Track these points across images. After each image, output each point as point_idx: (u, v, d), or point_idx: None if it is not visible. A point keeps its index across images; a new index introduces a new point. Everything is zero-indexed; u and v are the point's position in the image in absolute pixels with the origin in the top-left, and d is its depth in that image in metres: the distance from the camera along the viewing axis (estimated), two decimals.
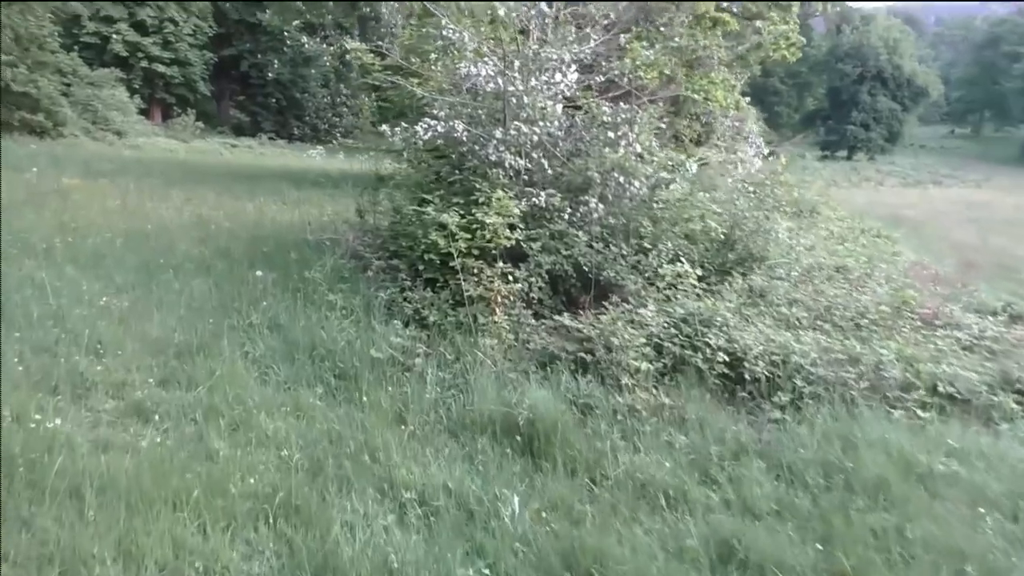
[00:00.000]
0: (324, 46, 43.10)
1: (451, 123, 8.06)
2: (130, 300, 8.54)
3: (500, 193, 7.57)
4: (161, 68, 41.97)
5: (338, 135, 26.02)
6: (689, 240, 8.59)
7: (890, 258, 12.74)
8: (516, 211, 7.52)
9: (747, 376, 6.55)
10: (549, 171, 8.17)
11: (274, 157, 38.92)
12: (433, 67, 8.79)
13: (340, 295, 8.20)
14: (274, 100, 48.13)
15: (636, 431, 5.91)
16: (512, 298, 7.25)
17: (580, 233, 7.98)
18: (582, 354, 6.83)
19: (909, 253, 14.81)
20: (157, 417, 5.83)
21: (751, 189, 8.73)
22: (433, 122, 8.08)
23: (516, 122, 7.96)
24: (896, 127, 70.95)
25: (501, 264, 7.32)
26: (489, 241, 7.43)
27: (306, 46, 42.87)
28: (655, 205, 8.47)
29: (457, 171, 8.54)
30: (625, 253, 8.16)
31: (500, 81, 7.90)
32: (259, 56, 46.88)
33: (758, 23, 20.16)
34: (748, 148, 19.74)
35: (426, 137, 8.08)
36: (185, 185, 19.60)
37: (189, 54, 43.13)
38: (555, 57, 8.04)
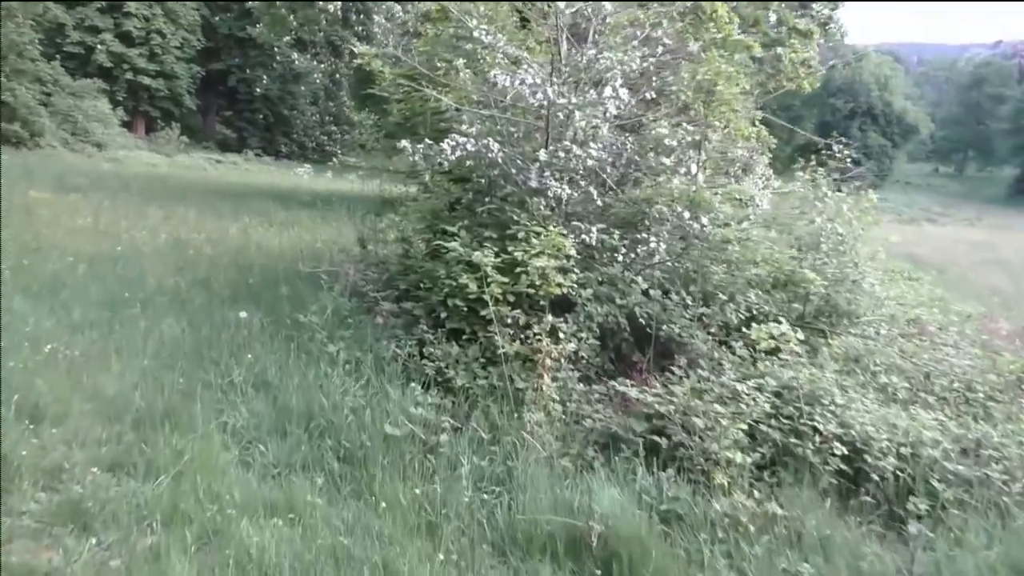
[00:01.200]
0: (315, 63, 41.73)
1: (484, 141, 6.58)
2: (85, 344, 6.96)
3: (551, 228, 6.08)
4: (146, 80, 40.35)
5: (338, 152, 24.44)
6: (761, 289, 7.15)
7: (943, 307, 11.35)
8: (572, 251, 6.04)
9: (871, 474, 5.07)
10: (599, 202, 6.70)
11: (260, 174, 37.28)
12: (459, 75, 7.34)
13: (342, 345, 6.66)
14: (261, 116, 46.57)
15: (744, 553, 4.40)
16: (561, 359, 5.74)
17: (639, 279, 6.50)
18: (654, 436, 5.33)
19: (954, 301, 13.52)
20: (99, 523, 4.25)
21: (839, 231, 7.31)
22: (462, 139, 6.59)
23: (566, 142, 6.51)
24: (886, 163, 70.34)
25: (551, 317, 5.79)
26: (535, 287, 5.94)
27: (296, 62, 41.52)
28: (728, 246, 7.02)
29: (487, 199, 7.04)
30: (688, 303, 6.71)
31: (548, 92, 6.44)
32: (248, 71, 45.42)
33: (779, 49, 19.03)
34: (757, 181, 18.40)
35: (453, 157, 6.59)
36: (164, 202, 17.98)
37: (176, 67, 41.55)
38: (616, 65, 6.60)
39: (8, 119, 30.41)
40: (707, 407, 5.36)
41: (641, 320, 6.52)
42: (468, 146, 6.56)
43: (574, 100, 6.52)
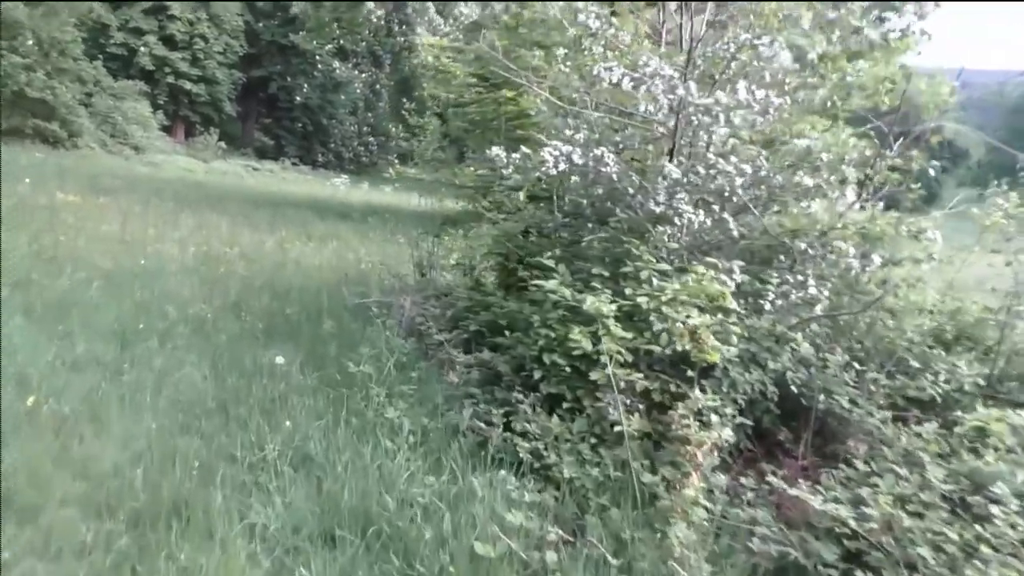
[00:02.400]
0: (356, 72, 40.48)
1: (597, 151, 5.01)
2: (83, 390, 5.46)
3: (698, 269, 4.49)
4: (187, 85, 39.36)
5: (377, 162, 22.95)
6: (929, 346, 5.49)
7: None
8: (732, 303, 4.44)
9: None
10: (735, 232, 5.10)
11: (297, 183, 36.06)
12: (553, 70, 5.82)
13: (404, 408, 5.10)
14: (300, 125, 45.41)
15: None
16: (715, 451, 4.12)
17: (798, 336, 4.88)
18: (853, 568, 3.70)
19: None
20: None
21: None
22: (568, 148, 5.04)
23: (709, 155, 4.95)
24: (935, 187, 67.94)
25: (701, 394, 4.16)
26: (682, 352, 4.34)
27: (337, 71, 40.41)
28: (896, 294, 5.37)
29: (591, 225, 5.46)
30: (857, 367, 5.08)
31: (691, 87, 4.87)
32: (288, 79, 44.29)
33: (860, 62, 17.38)
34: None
35: (557, 169, 5.04)
36: (198, 210, 16.62)
37: (217, 72, 40.53)
38: (774, 52, 5.05)
39: (47, 118, 29.42)
40: (925, 525, 3.73)
41: (794, 388, 4.90)
42: (575, 157, 5.01)
43: (724, 99, 4.94)
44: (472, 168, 7.98)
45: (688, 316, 4.25)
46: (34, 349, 6.20)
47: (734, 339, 4.37)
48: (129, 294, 8.18)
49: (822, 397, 4.93)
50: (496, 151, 5.21)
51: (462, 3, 38.51)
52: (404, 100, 44.59)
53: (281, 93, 44.88)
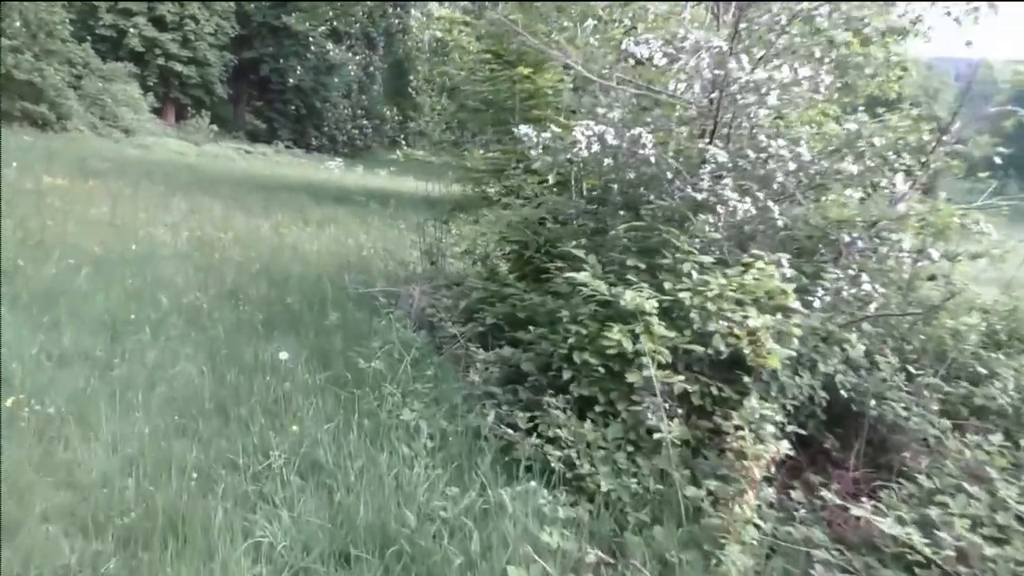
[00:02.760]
0: (349, 55, 39.59)
1: (634, 131, 4.56)
2: (70, 389, 5.02)
3: (761, 263, 4.06)
4: (178, 67, 38.54)
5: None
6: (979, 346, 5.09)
7: None
8: (794, 301, 4.01)
9: None
10: (780, 222, 4.67)
11: (290, 167, 35.43)
12: (584, 42, 5.38)
13: (420, 409, 4.67)
14: (293, 107, 44.65)
15: None
16: (771, 465, 3.69)
17: (852, 336, 4.46)
18: None
19: None
20: None
21: None
22: (600, 128, 4.59)
23: (761, 138, 4.51)
24: (931, 180, 67.46)
25: (759, 402, 3.72)
26: (729, 353, 3.92)
27: (331, 54, 39.62)
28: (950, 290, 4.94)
29: (622, 212, 5.02)
30: (913, 371, 4.68)
31: (743, 61, 4.42)
32: (281, 61, 43.50)
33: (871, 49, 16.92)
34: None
35: (589, 151, 4.59)
36: (190, 193, 16.09)
37: (208, 54, 39.71)
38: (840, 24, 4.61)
39: (35, 100, 28.71)
40: (1008, 554, 3.34)
41: (842, 393, 4.49)
42: (608, 138, 4.56)
43: (776, 75, 4.49)
44: (481, 151, 7.52)
45: (746, 316, 3.82)
46: (18, 342, 5.75)
47: (795, 341, 3.94)
48: (120, 281, 7.71)
49: (873, 403, 4.53)
50: (525, 130, 4.76)
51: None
52: (410, 79, 43.97)
53: (273, 75, 44.08)
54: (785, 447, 3.65)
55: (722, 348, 3.92)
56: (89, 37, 35.05)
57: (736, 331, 3.79)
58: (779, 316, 3.91)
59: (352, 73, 46.25)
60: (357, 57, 46.60)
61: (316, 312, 6.94)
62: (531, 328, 4.95)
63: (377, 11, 38.12)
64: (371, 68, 48.36)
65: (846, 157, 4.84)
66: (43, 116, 28.99)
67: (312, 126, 45.50)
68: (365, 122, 48.13)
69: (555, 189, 6.42)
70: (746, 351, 3.78)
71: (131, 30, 37.02)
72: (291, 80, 43.37)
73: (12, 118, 28.00)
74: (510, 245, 6.13)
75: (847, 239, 4.87)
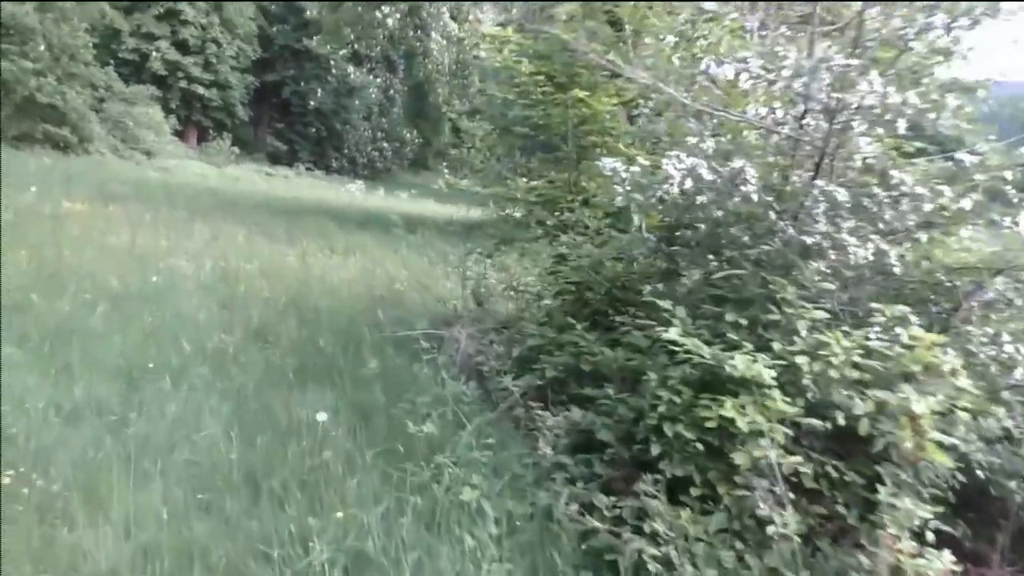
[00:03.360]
0: (370, 77, 39.08)
1: (738, 164, 3.90)
2: (75, 453, 4.38)
3: (916, 332, 3.38)
4: (200, 89, 38.33)
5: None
6: None
7: None
8: (964, 380, 3.31)
9: None
10: (896, 268, 3.99)
11: (311, 189, 35.02)
12: (663, 60, 4.75)
13: (483, 485, 3.99)
14: (314, 130, 44.35)
15: None
16: None
17: (999, 410, 3.76)
18: None
19: None
20: None
21: None
22: (692, 161, 3.94)
23: (895, 172, 3.85)
24: None
25: (912, 502, 2.98)
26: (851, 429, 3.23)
27: (352, 76, 39.29)
28: None
29: (712, 256, 4.32)
30: None
31: (866, 85, 3.77)
32: (302, 84, 43.26)
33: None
34: None
35: (681, 188, 3.94)
36: (212, 218, 15.55)
37: (230, 77, 39.51)
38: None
39: (57, 123, 28.48)
40: None
41: (979, 473, 3.78)
42: (703, 171, 3.91)
43: (912, 98, 3.82)
44: (524, 179, 6.90)
45: (904, 396, 3.13)
46: (24, 392, 5.14)
47: (960, 429, 3.25)
48: (138, 319, 7.11)
49: (1013, 484, 3.81)
50: (611, 163, 4.10)
51: (476, 3, 37.56)
52: (430, 100, 43.59)
53: (294, 98, 43.85)
54: (948, 559, 2.94)
55: (872, 435, 3.21)
56: (112, 60, 34.94)
57: (875, 410, 3.09)
58: (940, 396, 3.21)
59: (373, 95, 45.96)
60: (377, 80, 46.33)
61: (351, 357, 6.29)
62: (603, 385, 4.27)
63: (399, 33, 37.78)
64: (391, 91, 48.06)
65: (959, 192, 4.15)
66: (65, 139, 28.75)
67: (332, 148, 45.18)
68: (385, 144, 47.79)
69: (618, 225, 5.79)
70: (907, 443, 3.08)
71: (154, 53, 36.88)
72: (312, 102, 43.08)
73: (34, 140, 27.77)
74: (568, 285, 5.47)
75: (969, 287, 4.18)
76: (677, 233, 4.73)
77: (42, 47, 28.25)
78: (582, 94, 5.79)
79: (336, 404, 5.36)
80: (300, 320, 7.96)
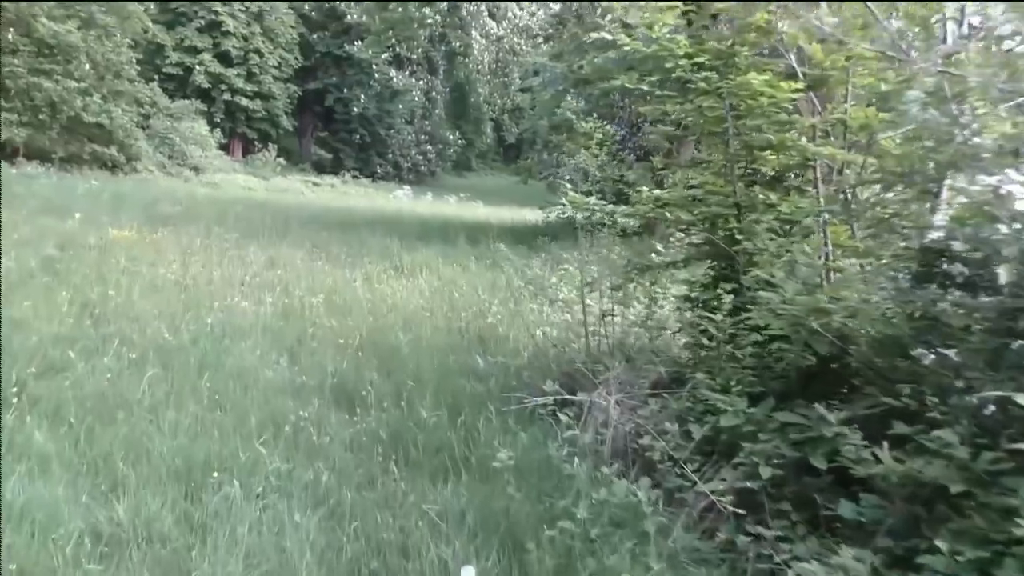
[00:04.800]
0: (412, 80, 37.69)
1: None
2: None
3: None
4: (244, 101, 37.41)
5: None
6: None
7: None
8: None
9: None
10: None
11: (359, 197, 33.87)
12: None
13: None
14: (358, 136, 43.20)
15: None
16: None
17: None
18: None
19: None
20: None
21: None
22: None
23: None
24: None
25: None
26: None
27: (394, 80, 38.02)
28: None
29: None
30: None
31: None
32: (345, 91, 42.15)
33: None
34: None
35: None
36: (266, 238, 14.30)
37: (273, 87, 38.55)
38: None
39: (104, 143, 27.70)
40: None
41: None
42: None
43: None
44: (651, 188, 5.40)
45: None
46: (52, 510, 3.79)
47: None
48: (194, 385, 5.75)
49: None
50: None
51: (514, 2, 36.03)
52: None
53: (337, 105, 42.75)
54: None
55: None
56: (156, 76, 34.18)
57: None
58: None
59: (415, 98, 44.71)
60: (420, 82, 45.05)
61: (463, 431, 4.83)
62: (854, 492, 2.76)
63: (440, 32, 36.45)
64: (433, 92, 46.78)
65: None
66: (112, 158, 27.97)
67: (377, 154, 44.02)
68: (429, 147, 46.53)
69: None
70: None
71: (197, 67, 36.05)
72: (355, 109, 41.95)
73: (82, 161, 27.01)
74: (780, 343, 3.95)
75: None
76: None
77: (87, 65, 27.45)
78: (758, 78, 4.25)
79: (460, 509, 3.92)
80: (383, 369, 6.57)
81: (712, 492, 3.53)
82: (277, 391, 5.79)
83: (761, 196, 4.74)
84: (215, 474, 4.14)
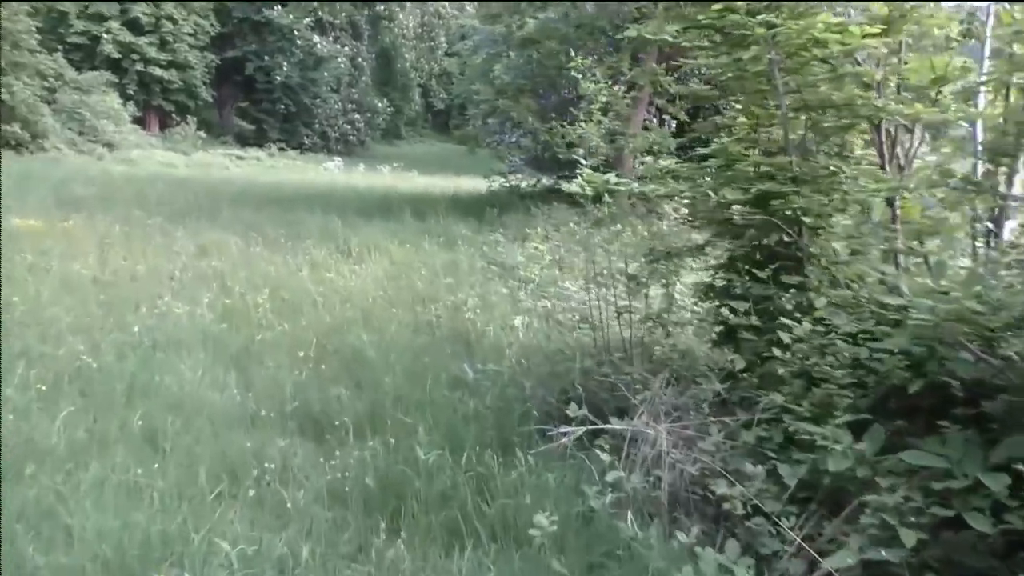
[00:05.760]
0: (337, 47, 35.66)
1: None
2: None
3: None
4: (158, 71, 34.72)
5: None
6: None
7: None
8: None
9: None
10: None
11: (289, 171, 31.94)
12: None
13: None
14: (282, 107, 40.71)
15: None
16: None
17: None
18: None
19: None
20: None
21: None
22: None
23: None
24: None
25: None
26: None
27: (318, 47, 35.94)
28: None
29: None
30: None
31: None
32: (266, 58, 39.66)
33: None
34: None
35: None
36: (193, 220, 12.85)
37: (189, 56, 35.90)
38: None
39: (6, 119, 25.16)
40: None
41: None
42: None
43: None
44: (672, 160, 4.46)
45: None
46: None
47: None
48: (121, 423, 4.58)
49: None
50: None
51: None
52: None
53: (258, 74, 40.18)
54: None
55: None
56: (60, 46, 31.39)
57: None
58: None
59: (342, 66, 42.52)
60: (345, 48, 42.85)
61: (473, 479, 3.82)
62: None
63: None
64: (359, 59, 44.58)
65: None
66: (16, 136, 25.49)
67: (303, 124, 41.72)
68: (357, 116, 44.41)
69: None
70: None
71: (105, 36, 33.24)
72: (278, 77, 39.56)
73: None
74: (888, 356, 3.07)
75: None
76: None
77: None
78: (826, 20, 3.32)
79: None
80: (350, 380, 5.51)
81: (837, 570, 2.64)
82: (228, 423, 4.67)
83: (832, 167, 3.83)
84: (159, 569, 3.05)
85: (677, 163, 5.19)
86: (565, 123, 14.05)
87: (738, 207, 4.01)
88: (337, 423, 4.59)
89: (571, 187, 16.53)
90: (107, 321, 6.72)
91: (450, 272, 9.32)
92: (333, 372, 5.70)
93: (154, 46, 34.54)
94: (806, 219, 3.67)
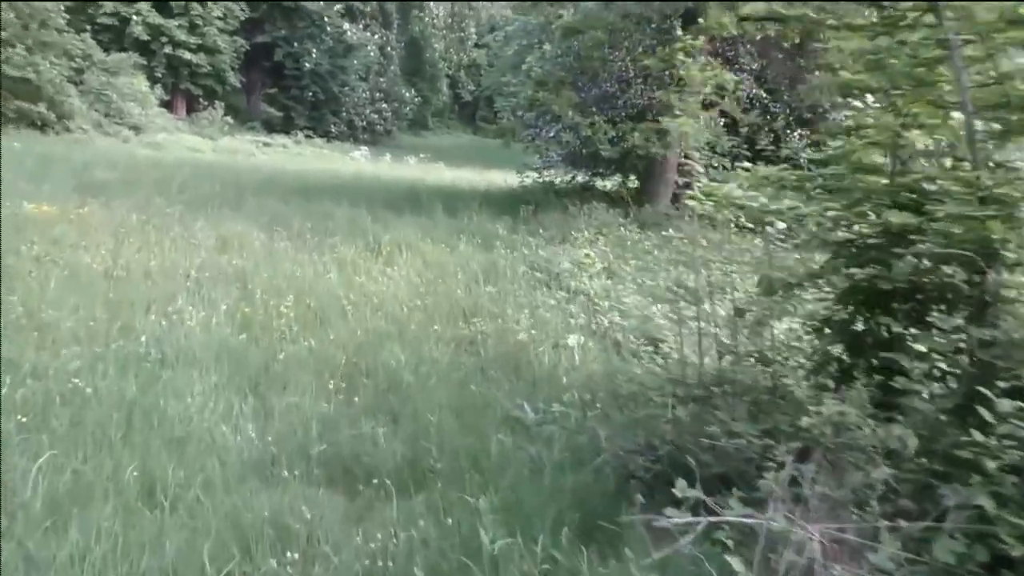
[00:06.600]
0: (367, 34, 34.67)
1: None
2: None
3: None
4: (187, 55, 33.99)
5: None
6: None
7: None
8: None
9: None
10: None
11: (314, 159, 31.16)
12: None
13: None
14: (310, 94, 39.87)
15: None
16: None
17: None
18: None
19: None
20: None
21: None
22: None
23: None
24: None
25: None
26: None
27: (348, 34, 35.08)
28: None
29: None
30: None
31: None
32: (295, 44, 38.84)
33: None
34: None
35: None
36: (216, 210, 12.02)
37: (218, 40, 35.11)
38: None
39: (32, 99, 24.49)
40: None
41: None
42: None
43: None
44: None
45: None
46: None
47: None
48: (112, 470, 3.73)
49: None
50: None
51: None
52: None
53: (287, 60, 39.36)
54: None
55: None
56: (89, 27, 30.73)
57: None
58: None
59: (371, 54, 41.62)
60: (374, 36, 41.94)
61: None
62: None
63: None
64: (388, 47, 43.67)
65: None
66: (41, 116, 24.82)
67: (330, 112, 40.89)
68: (384, 105, 43.52)
69: None
70: None
71: (134, 17, 32.57)
72: (307, 64, 38.74)
73: (7, 120, 23.82)
74: None
75: None
76: None
77: (10, 14, 24.18)
78: None
79: None
80: (385, 415, 4.63)
81: None
82: (242, 473, 3.81)
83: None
84: None
85: (782, 170, 4.27)
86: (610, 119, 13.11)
87: (894, 228, 3.07)
88: (374, 479, 3.71)
89: (606, 184, 15.48)
90: (112, 327, 5.90)
91: (490, 278, 8.43)
92: (365, 402, 4.83)
93: (183, 29, 33.81)
94: (1008, 253, 2.75)
